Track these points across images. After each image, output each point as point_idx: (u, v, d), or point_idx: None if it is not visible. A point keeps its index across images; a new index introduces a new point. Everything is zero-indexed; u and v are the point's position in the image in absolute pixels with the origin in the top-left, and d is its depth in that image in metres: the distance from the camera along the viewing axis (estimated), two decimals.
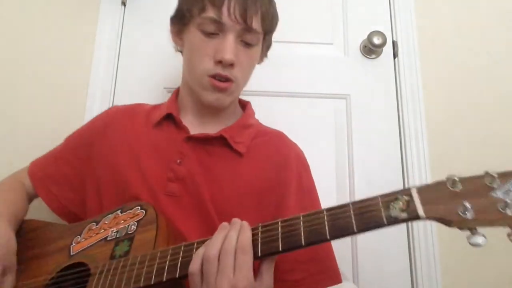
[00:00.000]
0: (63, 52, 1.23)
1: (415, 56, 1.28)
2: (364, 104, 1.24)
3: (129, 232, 0.68)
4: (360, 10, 1.33)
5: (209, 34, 0.78)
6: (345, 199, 1.16)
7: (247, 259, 0.54)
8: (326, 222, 0.53)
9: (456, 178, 0.49)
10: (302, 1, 1.32)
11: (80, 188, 0.84)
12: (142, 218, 0.68)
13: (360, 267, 1.11)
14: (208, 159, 0.80)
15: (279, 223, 0.56)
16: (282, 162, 0.83)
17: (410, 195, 0.50)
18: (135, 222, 0.68)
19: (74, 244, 0.73)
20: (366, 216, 0.51)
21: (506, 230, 0.45)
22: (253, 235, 0.56)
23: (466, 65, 1.29)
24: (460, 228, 0.48)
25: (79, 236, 0.74)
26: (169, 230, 0.68)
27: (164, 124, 0.85)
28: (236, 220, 0.58)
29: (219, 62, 0.77)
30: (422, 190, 0.50)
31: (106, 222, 0.73)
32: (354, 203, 0.53)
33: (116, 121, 0.88)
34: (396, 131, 1.23)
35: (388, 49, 1.28)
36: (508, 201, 0.45)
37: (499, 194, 0.47)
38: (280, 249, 0.53)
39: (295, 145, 0.90)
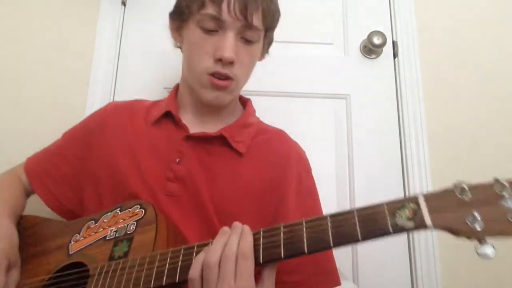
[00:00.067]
0: (63, 52, 1.23)
1: (415, 56, 1.28)
2: (364, 104, 1.24)
3: (128, 232, 0.67)
4: (360, 10, 1.33)
5: (209, 31, 0.76)
6: (345, 200, 1.17)
7: (248, 266, 0.53)
8: (329, 229, 0.52)
9: (464, 186, 0.48)
10: (302, 1, 1.32)
11: (77, 186, 0.83)
12: (141, 217, 0.68)
13: (360, 267, 1.11)
14: (207, 158, 0.79)
15: (281, 228, 0.55)
16: (283, 162, 0.82)
17: (417, 203, 0.49)
18: (134, 222, 0.68)
19: (72, 242, 0.73)
20: (371, 223, 0.50)
21: None
22: (254, 240, 0.55)
23: (466, 65, 1.29)
24: (468, 237, 0.46)
25: (77, 235, 0.74)
26: (168, 231, 0.67)
27: (163, 122, 0.83)
28: (237, 224, 0.57)
29: (219, 60, 0.76)
30: (429, 198, 0.49)
31: (105, 220, 0.72)
32: (358, 209, 0.52)
33: (114, 118, 0.87)
34: (396, 131, 1.23)
35: (388, 49, 1.28)
36: None
37: (510, 203, 0.45)
38: (282, 255, 0.53)
39: (296, 144, 0.89)
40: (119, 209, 0.72)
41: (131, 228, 0.67)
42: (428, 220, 0.47)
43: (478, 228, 0.45)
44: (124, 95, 1.20)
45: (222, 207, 0.75)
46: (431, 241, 1.12)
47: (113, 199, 0.76)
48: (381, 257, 1.11)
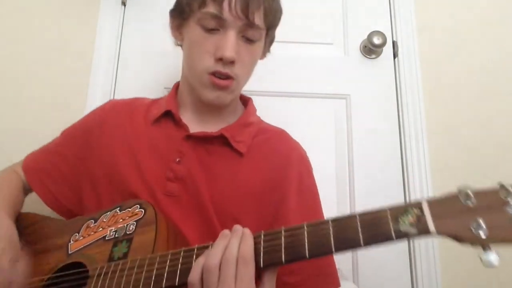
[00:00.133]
0: (63, 52, 1.23)
1: (415, 56, 1.28)
2: (364, 104, 1.24)
3: (128, 233, 0.66)
4: (360, 10, 1.33)
5: (210, 30, 0.75)
6: (345, 200, 1.17)
7: (249, 270, 0.52)
8: (331, 234, 0.51)
9: (469, 192, 0.47)
10: (302, 1, 1.32)
11: (76, 185, 0.83)
12: (141, 217, 0.67)
13: (360, 267, 1.11)
14: (208, 158, 0.79)
15: (282, 231, 0.54)
16: (284, 162, 0.81)
17: (421, 209, 0.48)
18: (134, 222, 0.67)
19: (72, 242, 0.72)
20: (374, 229, 0.49)
21: None
22: (255, 243, 0.54)
23: (466, 65, 1.29)
24: (472, 244, 0.45)
25: (77, 234, 0.73)
26: (168, 231, 0.67)
27: (163, 121, 0.83)
28: (237, 227, 0.57)
29: (220, 60, 0.75)
30: (433, 203, 0.48)
31: (105, 220, 0.72)
32: (361, 214, 0.51)
33: (113, 117, 0.86)
34: (396, 131, 1.23)
35: (388, 49, 1.28)
36: None
37: None
38: (283, 260, 0.52)
39: (297, 144, 0.88)
40: (118, 208, 0.72)
41: (131, 229, 0.67)
42: (431, 226, 0.46)
43: (483, 236, 0.44)
44: (124, 95, 1.19)
45: (222, 207, 0.74)
46: (431, 241, 1.12)
47: (112, 199, 0.75)
48: (381, 257, 1.11)
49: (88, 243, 0.70)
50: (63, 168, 0.85)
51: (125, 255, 0.63)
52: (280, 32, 0.88)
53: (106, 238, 0.68)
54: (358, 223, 0.50)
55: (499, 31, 1.32)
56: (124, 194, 0.75)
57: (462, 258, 1.10)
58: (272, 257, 0.53)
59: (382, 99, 1.25)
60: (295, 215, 0.76)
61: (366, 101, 1.24)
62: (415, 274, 1.10)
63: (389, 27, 1.31)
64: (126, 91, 1.21)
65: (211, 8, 0.73)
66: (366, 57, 1.28)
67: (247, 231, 0.56)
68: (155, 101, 0.90)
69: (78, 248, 0.70)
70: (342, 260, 1.04)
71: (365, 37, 1.25)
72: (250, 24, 0.75)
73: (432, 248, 1.12)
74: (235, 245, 0.54)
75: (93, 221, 0.73)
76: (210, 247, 0.56)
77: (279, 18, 0.84)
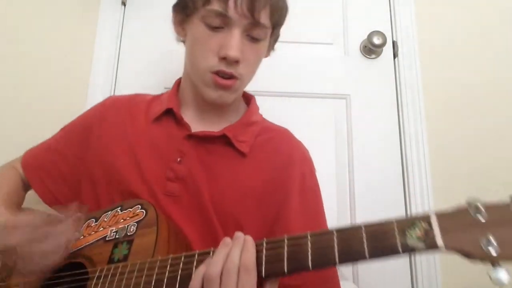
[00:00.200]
0: (63, 52, 1.23)
1: (415, 56, 1.28)
2: (364, 104, 1.24)
3: (129, 234, 0.66)
4: (360, 10, 1.33)
5: (214, 28, 0.73)
6: (345, 200, 1.17)
7: (251, 279, 0.51)
8: (335, 245, 0.49)
9: (479, 205, 0.45)
10: (302, 1, 1.32)
11: (75, 184, 0.82)
12: (142, 219, 0.67)
13: (360, 267, 1.11)
14: (209, 158, 0.77)
15: (285, 240, 0.53)
16: (286, 162, 0.80)
17: (429, 223, 0.46)
18: (135, 223, 0.66)
19: None
20: (380, 242, 0.48)
21: None
22: (256, 251, 0.53)
23: (466, 65, 1.29)
24: (482, 261, 0.44)
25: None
26: (169, 232, 0.66)
27: (163, 120, 0.81)
28: (239, 235, 0.55)
29: (223, 59, 0.73)
30: (442, 217, 0.46)
31: (105, 219, 0.71)
32: (367, 225, 0.50)
33: (113, 114, 0.85)
34: (396, 131, 1.23)
35: (388, 49, 1.28)
36: None
37: None
38: (285, 270, 0.51)
39: (300, 144, 0.87)
40: (119, 208, 0.71)
41: (132, 230, 0.66)
42: (440, 241, 0.45)
43: (493, 253, 0.42)
44: None
45: (223, 207, 0.74)
46: None
47: (112, 199, 0.75)
48: None
49: (88, 243, 0.69)
50: (62, 167, 0.84)
51: (125, 257, 0.63)
52: (280, 32, 0.88)
53: (107, 239, 0.68)
54: (364, 235, 0.49)
55: (499, 31, 1.32)
56: (124, 193, 0.74)
57: (462, 258, 1.09)
58: (274, 267, 0.52)
59: (382, 99, 1.25)
60: (297, 216, 0.76)
61: (366, 101, 1.24)
62: (415, 274, 1.10)
63: (389, 27, 1.31)
64: (126, 91, 1.19)
65: (215, 6, 0.71)
66: (366, 57, 1.28)
67: (249, 238, 0.54)
68: (156, 98, 0.89)
69: (78, 248, 0.70)
70: None
71: (365, 37, 1.25)
72: (255, 23, 0.73)
73: None
74: (236, 254, 0.52)
75: (94, 220, 0.73)
76: (211, 253, 0.55)
77: (285, 16, 0.82)
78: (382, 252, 0.47)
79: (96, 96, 1.19)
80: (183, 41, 0.84)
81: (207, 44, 0.74)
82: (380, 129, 1.22)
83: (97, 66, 1.22)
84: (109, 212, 0.72)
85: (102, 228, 0.70)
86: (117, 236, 0.67)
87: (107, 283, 0.60)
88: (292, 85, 1.24)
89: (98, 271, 0.63)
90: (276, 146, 0.83)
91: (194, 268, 0.55)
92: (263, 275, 0.52)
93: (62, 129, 0.90)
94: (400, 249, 0.46)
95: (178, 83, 0.89)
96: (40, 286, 0.68)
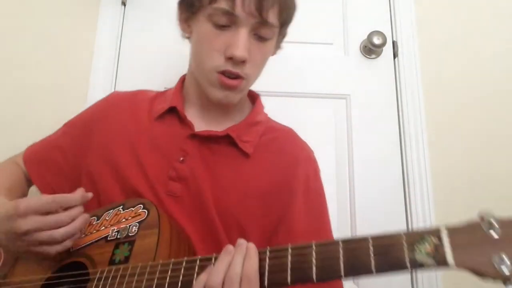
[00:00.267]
0: (63, 52, 1.23)
1: (415, 56, 1.28)
2: (364, 104, 1.24)
3: (130, 234, 0.65)
4: (360, 10, 1.33)
5: (220, 27, 0.71)
6: (345, 200, 1.17)
7: None
8: (341, 257, 0.48)
9: (492, 221, 0.43)
10: (302, 1, 1.31)
11: (75, 179, 0.80)
12: (144, 219, 0.66)
13: None
14: (212, 158, 0.76)
15: (289, 249, 0.51)
16: (290, 163, 0.79)
17: (439, 238, 0.44)
18: (137, 223, 0.66)
19: None
20: (387, 255, 0.46)
21: None
22: (259, 260, 0.52)
23: (466, 65, 1.29)
24: (494, 279, 0.42)
25: None
26: (171, 233, 0.65)
27: (167, 118, 0.80)
28: (241, 242, 0.54)
29: (230, 59, 0.71)
30: (453, 231, 0.44)
31: (107, 218, 0.70)
32: (374, 238, 0.48)
33: (115, 111, 0.84)
34: (396, 131, 1.23)
35: (388, 49, 1.28)
36: None
37: None
38: (289, 281, 0.49)
39: (305, 144, 0.86)
40: (121, 207, 0.70)
41: (133, 230, 0.65)
42: (450, 258, 0.43)
43: (506, 272, 0.41)
44: None
45: (225, 209, 0.73)
46: None
47: (112, 196, 0.74)
48: None
49: (89, 242, 0.69)
50: (63, 163, 0.84)
51: (126, 259, 0.62)
52: (287, 29, 0.87)
53: (108, 239, 0.67)
54: (371, 248, 0.47)
55: (499, 31, 1.32)
56: (125, 191, 0.74)
57: None
58: (277, 277, 0.50)
59: (382, 99, 1.25)
60: (301, 216, 0.75)
61: (366, 101, 1.24)
62: (415, 274, 1.10)
63: (389, 27, 1.31)
64: None
65: (222, 4, 0.69)
66: (366, 57, 1.28)
67: (252, 246, 0.53)
68: (159, 95, 0.87)
69: (79, 246, 0.69)
70: None
71: (365, 37, 1.25)
72: (263, 22, 0.71)
73: None
74: (239, 262, 0.51)
75: (95, 218, 0.72)
76: (213, 260, 0.54)
77: (293, 14, 0.80)
78: (389, 267, 0.46)
79: (96, 96, 1.19)
80: (188, 38, 0.82)
81: (213, 43, 0.72)
82: (380, 129, 1.22)
83: (97, 66, 1.22)
84: (111, 210, 0.71)
85: (103, 227, 0.69)
86: (118, 236, 0.66)
87: (108, 285, 0.59)
88: (292, 85, 1.24)
89: (99, 272, 0.62)
90: (280, 146, 0.82)
91: (195, 275, 0.54)
92: (266, 285, 0.51)
93: (64, 125, 0.90)
94: (408, 265, 0.45)
95: (182, 80, 0.88)
96: (40, 286, 0.68)
